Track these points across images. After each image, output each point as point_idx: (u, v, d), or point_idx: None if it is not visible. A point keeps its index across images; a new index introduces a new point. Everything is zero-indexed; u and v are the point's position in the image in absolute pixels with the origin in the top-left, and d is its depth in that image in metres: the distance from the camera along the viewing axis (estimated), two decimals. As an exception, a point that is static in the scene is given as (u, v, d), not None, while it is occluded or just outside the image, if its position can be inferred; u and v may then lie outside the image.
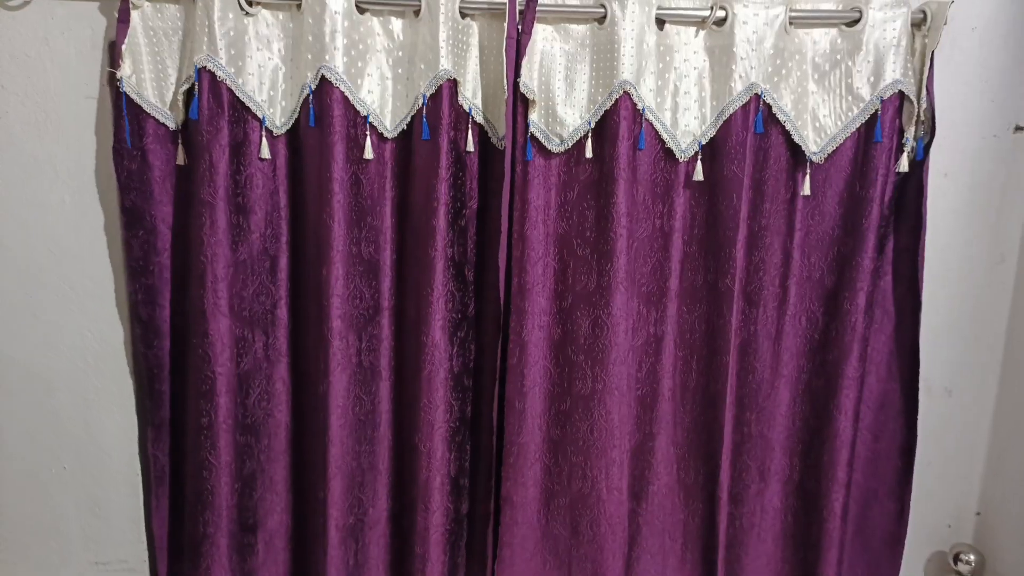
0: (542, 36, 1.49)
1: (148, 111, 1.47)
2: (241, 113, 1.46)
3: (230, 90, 1.44)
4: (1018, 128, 1.62)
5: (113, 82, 1.46)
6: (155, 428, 1.60)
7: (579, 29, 1.50)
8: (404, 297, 1.57)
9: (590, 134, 1.49)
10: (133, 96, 1.46)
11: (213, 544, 1.58)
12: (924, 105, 1.50)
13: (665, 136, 1.51)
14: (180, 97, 1.46)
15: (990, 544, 1.75)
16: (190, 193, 1.50)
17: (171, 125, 1.49)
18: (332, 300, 1.50)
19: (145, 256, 1.53)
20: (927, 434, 1.67)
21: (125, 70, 1.44)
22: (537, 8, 1.43)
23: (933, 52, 1.48)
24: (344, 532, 1.62)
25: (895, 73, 1.48)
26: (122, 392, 1.62)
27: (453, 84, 1.45)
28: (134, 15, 1.44)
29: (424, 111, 1.46)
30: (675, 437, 1.67)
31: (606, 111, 1.47)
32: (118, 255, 1.56)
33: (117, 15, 1.43)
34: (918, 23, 1.49)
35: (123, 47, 1.43)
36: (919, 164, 1.53)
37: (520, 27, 1.44)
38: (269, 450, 1.60)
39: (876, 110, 1.50)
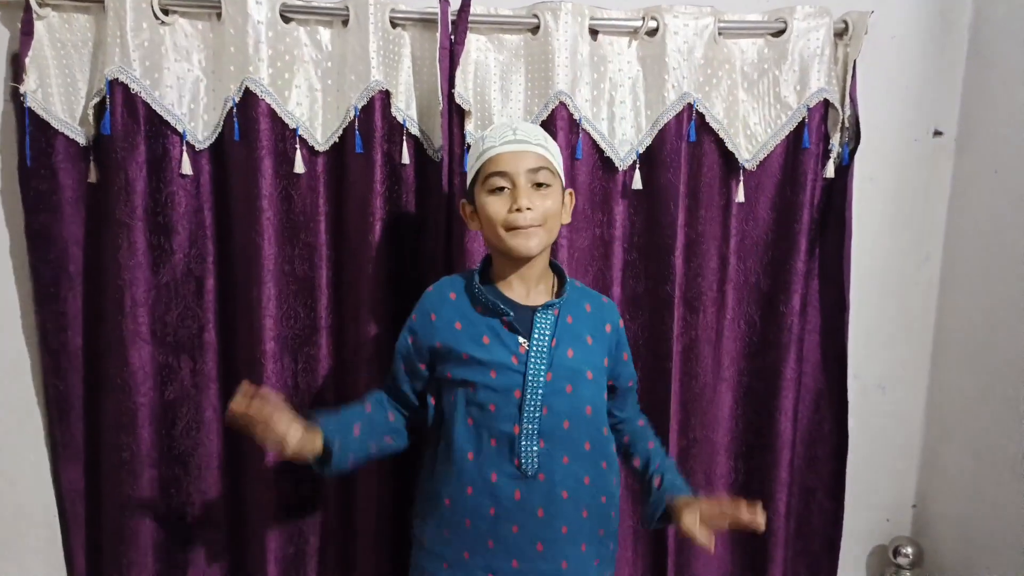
0: (476, 46, 1.47)
1: (57, 127, 1.38)
2: (159, 127, 1.39)
3: (146, 103, 1.36)
4: (937, 132, 1.69)
5: (17, 97, 1.36)
6: (69, 463, 1.50)
7: (513, 39, 1.48)
8: (343, 316, 1.52)
9: (527, 144, 1.48)
10: (39, 112, 1.37)
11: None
12: (848, 112, 1.55)
13: (603, 145, 1.51)
14: (91, 112, 1.37)
15: (927, 536, 1.81)
16: (105, 213, 1.41)
17: (82, 141, 1.40)
18: (265, 322, 1.44)
19: (55, 282, 1.43)
20: (863, 431, 1.71)
21: (30, 84, 1.35)
22: (469, 18, 1.41)
23: (855, 60, 1.53)
24: (285, 564, 1.54)
25: (820, 81, 1.52)
26: (34, 426, 1.51)
27: (385, 95, 1.41)
28: (38, 26, 1.35)
29: (356, 123, 1.42)
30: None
31: (543, 121, 1.46)
32: (25, 281, 1.46)
33: (20, 26, 1.34)
34: (840, 33, 1.54)
35: (27, 60, 1.34)
36: (845, 169, 1.58)
37: (453, 37, 1.41)
38: (200, 482, 1.52)
39: (803, 118, 1.54)
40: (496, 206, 1.13)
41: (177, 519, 1.52)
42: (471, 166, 1.19)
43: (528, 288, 1.19)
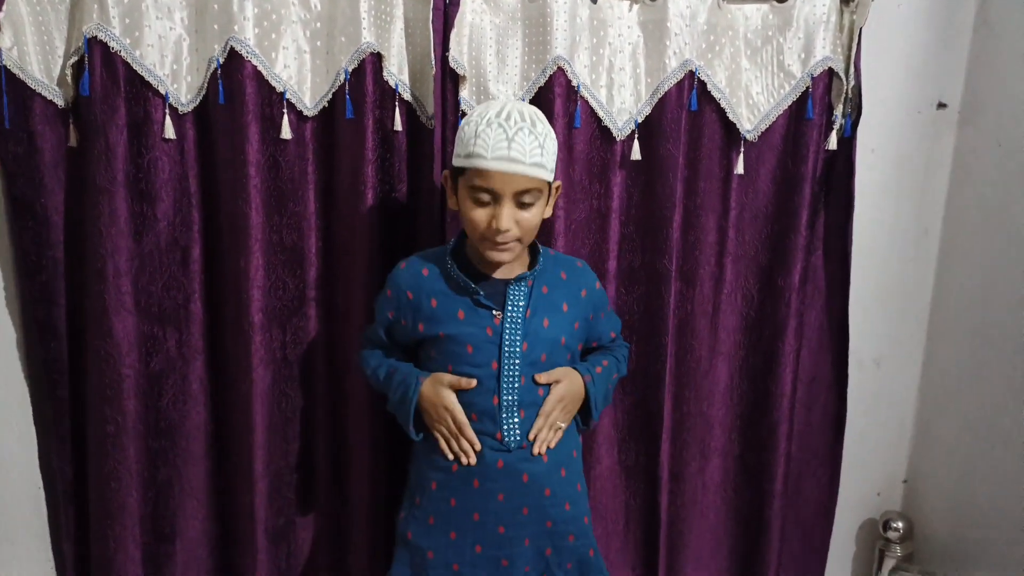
0: (471, 8, 1.41)
1: (34, 87, 1.32)
2: (140, 89, 1.33)
3: (126, 63, 1.30)
4: (940, 104, 1.66)
5: (-9, 55, 1.30)
6: (57, 437, 1.47)
7: (510, 1, 1.43)
8: (332, 287, 1.48)
9: (524, 112, 1.43)
10: (15, 71, 1.31)
11: (127, 558, 1.47)
12: (852, 82, 1.51)
13: (601, 114, 1.47)
14: (69, 71, 1.32)
15: (917, 510, 1.82)
16: (85, 179, 1.36)
17: (60, 103, 1.34)
18: (252, 292, 1.40)
19: (38, 251, 1.38)
20: (857, 405, 1.71)
21: (5, 42, 1.29)
22: (465, -22, 1.36)
23: (861, 29, 1.49)
24: (274, 534, 1.53)
25: (825, 50, 1.48)
26: (19, 400, 1.47)
27: (377, 58, 1.36)
28: (12, -20, 1.29)
29: (347, 87, 1.37)
30: (616, 419, 1.65)
31: (540, 88, 1.42)
32: (6, 250, 1.41)
33: (-8, -20, 1.27)
34: (846, -1, 1.49)
35: (1, 16, 1.28)
36: (847, 141, 1.55)
37: (447, -2, 1.36)
38: (187, 454, 1.49)
39: (807, 87, 1.50)
40: (477, 215, 1.11)
41: (163, 492, 1.50)
42: (460, 150, 1.12)
43: (505, 264, 1.18)
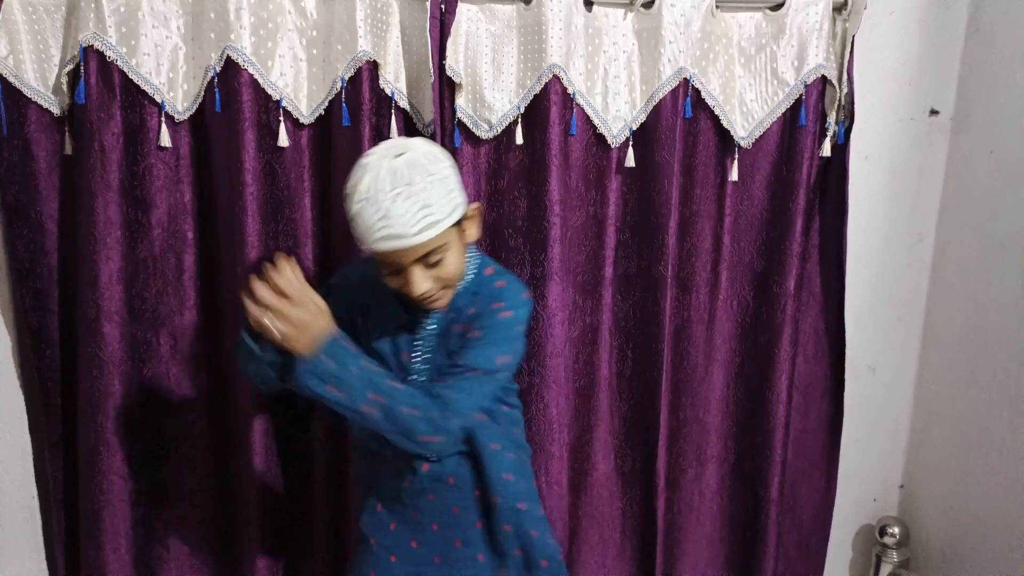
0: (467, 16, 1.42)
1: (29, 95, 1.33)
2: (136, 97, 1.33)
3: (122, 71, 1.30)
4: (933, 111, 1.67)
5: (-14, 63, 1.30)
6: (50, 445, 1.46)
7: (505, 9, 1.44)
8: (328, 294, 1.48)
9: (520, 119, 1.44)
10: (11, 79, 1.31)
11: (119, 563, 1.46)
12: (846, 89, 1.52)
13: (596, 121, 1.47)
14: (65, 80, 1.32)
15: (913, 516, 1.82)
16: (79, 186, 1.36)
17: (55, 111, 1.34)
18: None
19: (32, 258, 1.38)
20: (852, 411, 1.71)
21: (0, 50, 1.29)
22: (460, -14, 1.37)
23: (854, 36, 1.50)
24: (268, 541, 1.52)
25: (818, 57, 1.49)
26: (13, 408, 1.46)
27: (373, 66, 1.37)
28: (8, -11, 1.29)
29: (343, 95, 1.37)
30: (612, 426, 1.65)
31: (536, 95, 1.42)
32: (0, 257, 1.40)
33: (-12, -12, 1.28)
34: (839, 7, 1.50)
35: (-4, 24, 1.28)
36: (841, 148, 1.56)
37: (443, 6, 1.36)
38: (180, 461, 1.49)
39: (800, 94, 1.51)
40: (394, 283, 1.07)
41: (156, 497, 1.49)
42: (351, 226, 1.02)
43: None
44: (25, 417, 1.48)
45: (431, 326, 1.15)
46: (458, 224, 1.07)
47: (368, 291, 1.17)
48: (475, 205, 1.13)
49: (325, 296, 1.05)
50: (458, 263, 1.07)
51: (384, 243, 0.99)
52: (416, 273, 1.03)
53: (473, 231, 1.13)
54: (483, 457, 1.18)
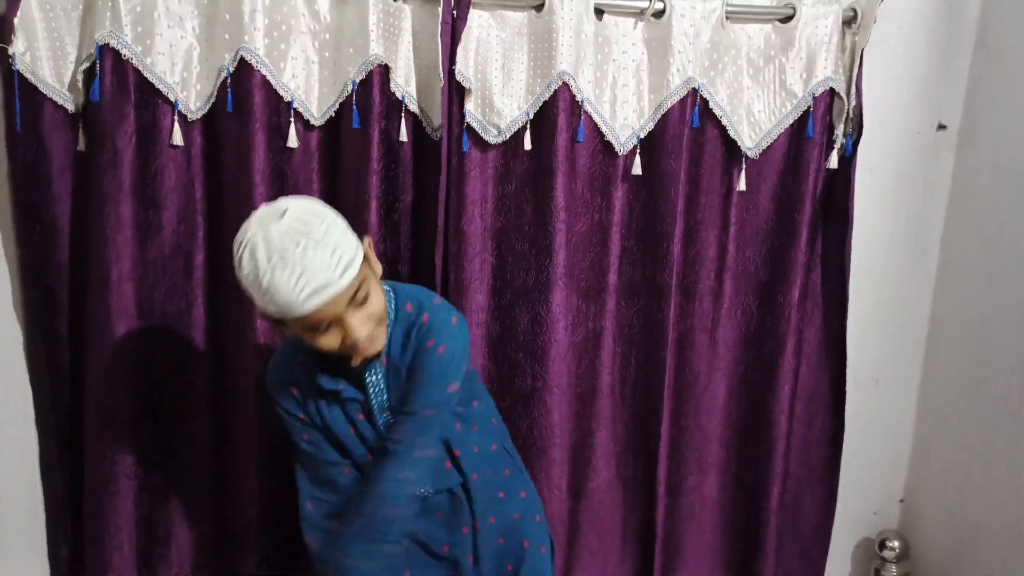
0: (478, 23, 1.43)
1: (45, 92, 1.34)
2: (150, 96, 1.35)
3: (137, 70, 1.32)
4: (940, 126, 1.67)
5: (4, 59, 1.31)
6: (58, 443, 1.47)
7: (516, 16, 1.45)
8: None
9: (528, 125, 1.45)
10: (28, 75, 1.32)
11: (122, 561, 1.46)
12: (854, 102, 1.53)
13: (604, 129, 1.48)
14: (80, 77, 1.33)
15: (914, 530, 1.82)
16: (92, 185, 1.37)
17: (70, 107, 1.36)
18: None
19: (43, 256, 1.39)
20: (854, 423, 1.71)
21: (18, 46, 1.31)
22: (472, -7, 1.38)
23: (863, 50, 1.51)
24: (271, 542, 1.53)
25: (826, 70, 1.50)
26: (20, 406, 1.47)
27: (384, 70, 1.38)
28: (27, -14, 1.30)
29: (354, 98, 1.38)
30: (614, 432, 1.65)
31: (545, 102, 1.43)
32: (12, 255, 1.42)
33: (8, -14, 1.29)
34: (848, 21, 1.51)
35: (15, 21, 1.29)
36: (847, 160, 1.56)
37: (455, 12, 1.38)
38: (186, 461, 1.49)
39: (808, 106, 1.52)
40: (327, 342, 0.98)
41: (159, 497, 1.50)
42: (263, 306, 0.96)
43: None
44: (32, 415, 1.48)
45: (377, 387, 1.11)
46: (364, 259, 1.01)
47: (296, 386, 1.11)
48: (367, 239, 1.06)
49: (289, 419, 1.09)
50: (381, 294, 1.04)
51: (314, 299, 0.92)
52: (353, 318, 0.97)
53: (375, 263, 1.06)
54: (469, 482, 1.20)
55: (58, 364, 1.43)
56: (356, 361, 1.02)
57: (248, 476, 1.49)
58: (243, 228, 0.97)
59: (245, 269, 0.94)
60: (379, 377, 1.10)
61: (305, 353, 1.09)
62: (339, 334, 0.98)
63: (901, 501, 1.86)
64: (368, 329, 0.99)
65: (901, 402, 1.81)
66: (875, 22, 1.47)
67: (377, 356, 1.08)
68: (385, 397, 1.12)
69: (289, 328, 1.00)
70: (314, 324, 0.96)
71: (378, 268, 1.06)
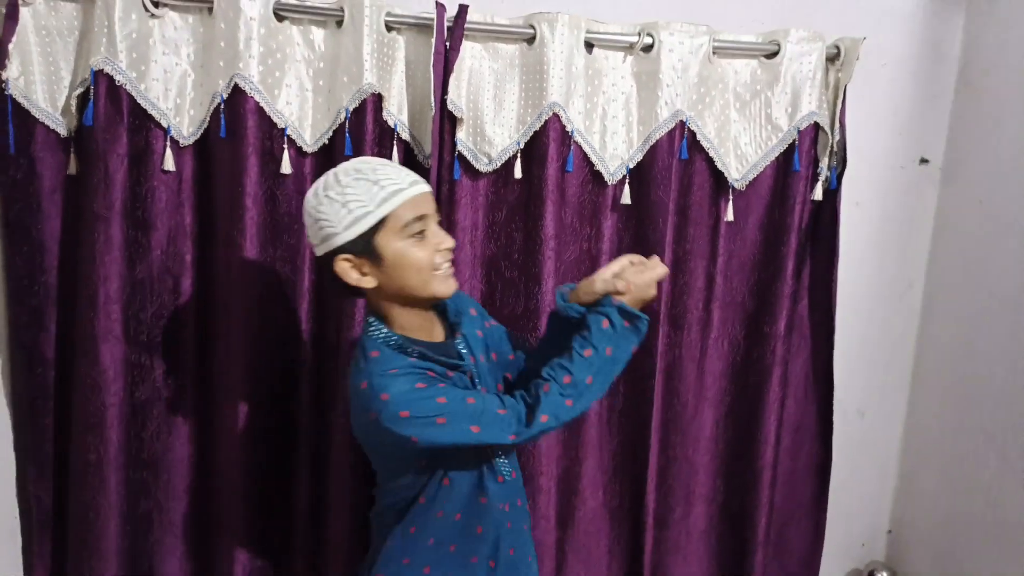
0: (471, 54, 1.46)
1: (37, 116, 1.34)
2: (143, 121, 1.36)
3: (130, 96, 1.33)
4: (923, 160, 1.71)
5: (-3, 83, 1.32)
6: (37, 465, 1.45)
7: (508, 48, 1.48)
8: (324, 322, 1.49)
9: (519, 154, 1.47)
10: (20, 99, 1.33)
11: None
12: (838, 137, 1.56)
13: (594, 159, 1.50)
14: (74, 102, 1.34)
15: (901, 561, 1.81)
16: (82, 206, 1.37)
17: (63, 132, 1.36)
18: (242, 323, 1.40)
19: (30, 275, 1.39)
20: (841, 455, 1.71)
21: (12, 71, 1.32)
22: (466, 25, 1.40)
23: (846, 86, 1.54)
24: (264, 569, 1.51)
25: (811, 105, 1.53)
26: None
27: (378, 99, 1.39)
28: (24, 12, 1.32)
29: (347, 125, 1.39)
30: (602, 462, 1.65)
31: (535, 132, 1.45)
32: (-3, 273, 1.41)
33: (5, 11, 1.30)
34: (832, 57, 1.55)
35: (10, 46, 1.31)
36: (833, 193, 1.59)
37: (448, 43, 1.40)
38: (169, 487, 1.48)
39: (794, 140, 1.54)
40: (422, 251, 1.03)
41: (143, 525, 1.48)
42: (365, 208, 1.00)
43: (434, 322, 1.14)
44: (11, 435, 1.47)
45: (461, 347, 1.13)
46: None
47: (429, 368, 1.07)
48: None
49: (450, 395, 1.03)
50: None
51: (420, 185, 1.04)
52: (437, 226, 1.06)
53: None
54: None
55: (40, 384, 1.42)
56: (439, 283, 1.05)
57: (232, 502, 1.47)
58: (320, 179, 1.05)
59: (345, 179, 1.01)
60: (465, 345, 1.14)
61: (402, 344, 1.06)
62: (430, 245, 1.04)
63: (889, 532, 1.85)
64: (451, 242, 1.07)
65: (887, 434, 1.82)
66: (858, 59, 1.51)
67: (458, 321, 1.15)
68: (479, 361, 1.14)
69: (386, 238, 1.01)
70: (414, 219, 1.01)
71: None
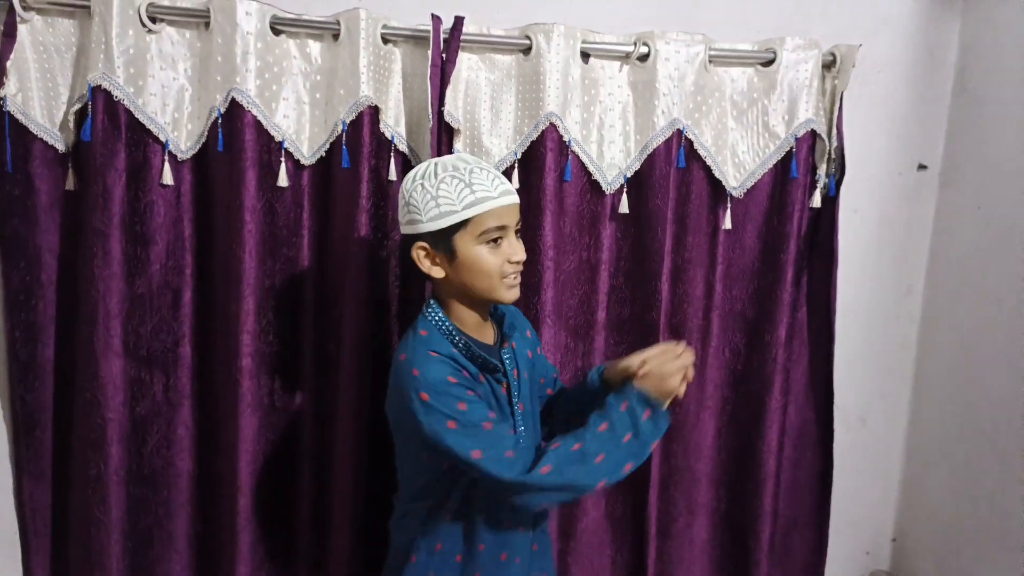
0: (467, 65, 1.46)
1: (35, 132, 1.35)
2: (141, 136, 1.36)
3: (128, 111, 1.33)
4: (921, 166, 1.71)
5: (-5, 98, 1.33)
6: (33, 479, 1.44)
7: (505, 59, 1.48)
8: (324, 334, 1.49)
9: (516, 164, 1.47)
10: (18, 116, 1.34)
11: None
12: (835, 143, 1.56)
13: (592, 168, 1.50)
14: (72, 117, 1.34)
15: (906, 569, 1.80)
16: (81, 221, 1.37)
17: (60, 147, 1.37)
18: (242, 337, 1.40)
19: (26, 290, 1.38)
20: (844, 463, 1.71)
21: (10, 88, 1.32)
22: (462, 37, 1.41)
23: (842, 93, 1.54)
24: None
25: (808, 112, 1.53)
26: (-2, 439, 1.46)
27: (374, 111, 1.40)
28: (22, 29, 1.32)
29: (344, 138, 1.40)
30: (603, 472, 1.64)
31: (532, 142, 1.45)
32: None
33: (3, 28, 1.31)
34: (828, 65, 1.55)
35: (8, 63, 1.31)
36: (831, 200, 1.59)
37: (444, 55, 1.40)
38: (169, 503, 1.47)
39: (791, 147, 1.54)
40: (495, 258, 1.07)
41: (143, 540, 1.47)
42: (452, 206, 1.03)
43: (488, 327, 1.17)
44: (8, 449, 1.46)
45: (506, 356, 1.14)
46: None
47: (457, 369, 1.06)
48: None
49: (466, 387, 1.05)
50: None
51: (509, 196, 1.07)
52: (516, 238, 1.09)
53: None
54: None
55: (37, 398, 1.42)
56: (505, 290, 1.09)
57: (232, 517, 1.46)
58: (423, 164, 1.09)
59: (442, 173, 1.05)
60: (511, 357, 1.15)
61: (450, 335, 1.09)
62: (502, 254, 1.07)
63: (893, 540, 1.84)
64: (524, 256, 1.10)
65: (890, 441, 1.81)
66: (854, 66, 1.51)
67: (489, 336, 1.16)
68: (520, 379, 1.16)
69: (465, 240, 1.05)
70: (494, 228, 1.05)
71: None
